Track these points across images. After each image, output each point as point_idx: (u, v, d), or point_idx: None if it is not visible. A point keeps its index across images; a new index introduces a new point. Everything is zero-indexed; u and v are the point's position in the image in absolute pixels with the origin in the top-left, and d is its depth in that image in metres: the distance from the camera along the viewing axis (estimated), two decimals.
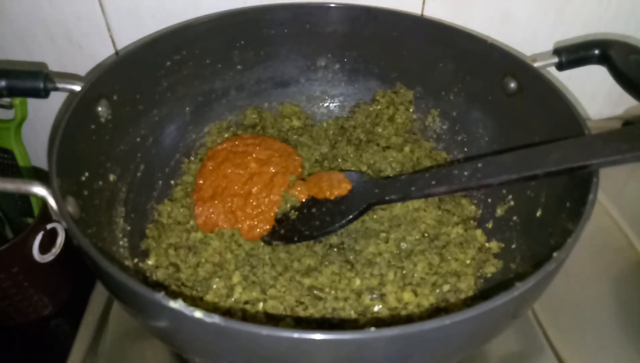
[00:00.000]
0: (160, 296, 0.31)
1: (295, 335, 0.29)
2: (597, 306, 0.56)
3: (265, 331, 0.29)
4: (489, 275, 0.51)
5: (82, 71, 0.65)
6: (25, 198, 0.65)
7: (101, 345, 0.51)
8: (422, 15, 0.65)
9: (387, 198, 0.51)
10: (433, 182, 0.48)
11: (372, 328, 0.30)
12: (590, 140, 0.42)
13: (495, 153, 0.58)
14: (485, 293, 0.48)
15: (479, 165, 0.46)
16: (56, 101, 0.65)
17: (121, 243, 0.51)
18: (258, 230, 0.53)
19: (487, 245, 0.53)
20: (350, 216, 0.52)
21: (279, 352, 0.31)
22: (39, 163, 0.68)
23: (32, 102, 0.64)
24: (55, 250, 0.57)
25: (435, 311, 0.46)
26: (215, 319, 0.30)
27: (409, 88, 0.64)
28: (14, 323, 0.63)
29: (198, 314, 0.30)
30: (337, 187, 0.54)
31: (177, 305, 0.30)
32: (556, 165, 0.41)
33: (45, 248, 0.56)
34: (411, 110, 0.65)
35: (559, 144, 0.43)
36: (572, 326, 0.54)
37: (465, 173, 0.46)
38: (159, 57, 0.56)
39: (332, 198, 0.54)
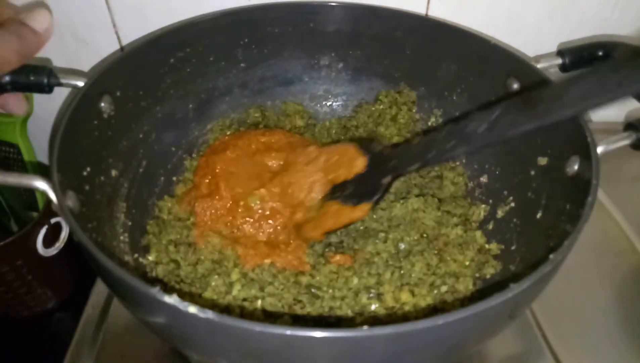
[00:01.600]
0: (155, 291, 0.31)
1: (288, 332, 0.29)
2: (598, 310, 0.55)
3: (259, 327, 0.30)
4: (488, 277, 0.51)
5: (88, 67, 0.66)
6: (31, 192, 0.65)
7: (101, 338, 0.52)
8: (426, 15, 0.65)
9: (408, 169, 0.48)
10: (451, 143, 0.43)
11: (365, 327, 0.30)
12: (605, 70, 0.38)
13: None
14: (483, 294, 0.48)
15: (496, 115, 0.41)
16: (63, 96, 0.66)
17: (122, 238, 0.51)
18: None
19: (487, 246, 0.53)
20: (376, 198, 0.50)
21: (273, 348, 0.31)
22: (44, 157, 0.69)
23: (38, 97, 0.65)
24: (59, 244, 0.58)
25: (432, 312, 0.46)
26: (209, 315, 0.30)
27: (412, 88, 0.64)
28: (18, 316, 0.64)
29: (192, 309, 0.30)
30: (354, 166, 0.51)
31: (171, 300, 0.31)
32: (583, 102, 0.37)
33: (49, 242, 0.57)
34: (414, 110, 0.65)
35: (579, 78, 0.39)
36: (572, 329, 0.53)
37: (483, 127, 0.41)
38: (162, 54, 0.56)
39: (351, 178, 0.51)
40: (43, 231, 0.56)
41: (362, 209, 0.50)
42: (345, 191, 0.51)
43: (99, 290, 0.56)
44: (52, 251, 0.57)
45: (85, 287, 0.58)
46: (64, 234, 0.58)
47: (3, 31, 0.40)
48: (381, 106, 0.65)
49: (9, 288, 0.60)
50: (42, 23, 0.42)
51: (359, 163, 0.51)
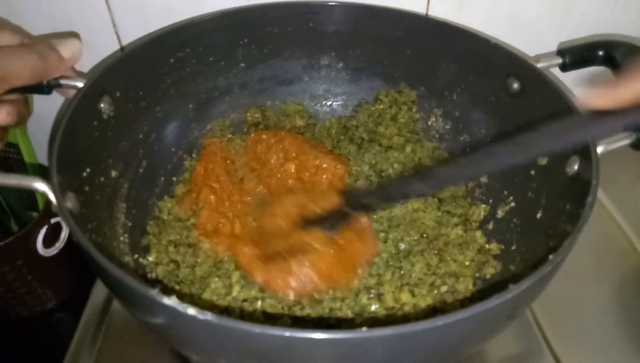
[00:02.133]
0: (154, 292, 0.31)
1: (287, 333, 0.29)
2: (598, 310, 0.55)
3: (258, 329, 0.30)
4: (488, 277, 0.51)
5: (88, 67, 0.65)
6: (31, 192, 0.65)
7: (101, 338, 0.52)
8: (426, 14, 0.65)
9: (372, 205, 0.49)
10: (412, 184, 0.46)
11: (364, 328, 0.30)
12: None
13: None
14: (483, 294, 0.48)
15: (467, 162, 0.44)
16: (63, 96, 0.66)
17: (122, 238, 0.51)
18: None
19: (487, 246, 0.53)
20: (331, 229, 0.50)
21: (273, 350, 0.32)
22: (44, 157, 0.69)
23: (38, 98, 0.64)
24: (59, 244, 0.58)
25: (432, 312, 0.46)
26: (208, 316, 0.30)
27: (412, 88, 0.64)
28: (18, 316, 0.64)
29: (191, 311, 0.30)
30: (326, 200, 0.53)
31: (171, 301, 0.31)
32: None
33: (49, 242, 0.57)
34: (414, 110, 0.65)
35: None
36: (572, 329, 0.54)
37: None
38: (162, 54, 0.56)
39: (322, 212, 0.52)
40: (43, 231, 0.56)
41: (314, 235, 0.49)
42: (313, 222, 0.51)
43: (99, 290, 0.57)
44: (52, 251, 0.57)
45: (85, 287, 0.58)
46: (64, 234, 0.58)
47: (27, 49, 0.42)
48: (381, 106, 0.65)
49: (9, 288, 0.60)
50: (70, 50, 0.45)
51: (332, 199, 0.53)
